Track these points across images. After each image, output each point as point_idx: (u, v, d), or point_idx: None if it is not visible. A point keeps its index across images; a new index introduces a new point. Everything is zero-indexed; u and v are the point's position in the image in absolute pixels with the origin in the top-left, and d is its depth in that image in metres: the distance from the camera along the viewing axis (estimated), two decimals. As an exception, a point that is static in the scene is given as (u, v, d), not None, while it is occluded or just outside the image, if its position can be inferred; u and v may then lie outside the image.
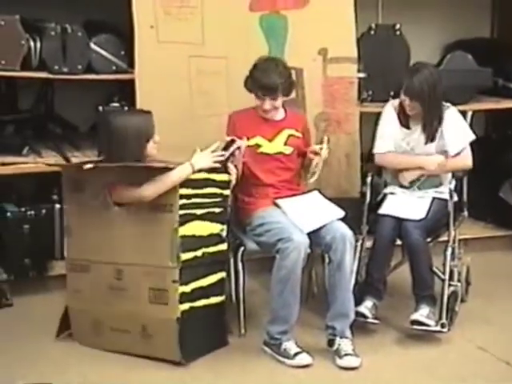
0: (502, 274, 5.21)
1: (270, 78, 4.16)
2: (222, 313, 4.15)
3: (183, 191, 3.87)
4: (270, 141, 4.32)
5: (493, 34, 6.18)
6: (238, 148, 4.08)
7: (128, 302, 3.98)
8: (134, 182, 3.88)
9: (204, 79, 4.73)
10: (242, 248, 4.25)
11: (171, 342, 3.90)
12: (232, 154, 4.05)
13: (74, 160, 4.54)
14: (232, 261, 4.35)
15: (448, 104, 4.47)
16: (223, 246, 4.11)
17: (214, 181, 4.02)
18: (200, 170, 3.93)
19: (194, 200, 3.93)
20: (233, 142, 4.08)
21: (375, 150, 4.58)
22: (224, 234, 4.10)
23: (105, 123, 4.09)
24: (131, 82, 4.63)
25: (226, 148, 4.06)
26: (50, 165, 4.28)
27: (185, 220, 3.89)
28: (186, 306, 3.92)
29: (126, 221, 3.96)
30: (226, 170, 4.05)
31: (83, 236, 4.08)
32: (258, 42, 4.79)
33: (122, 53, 4.73)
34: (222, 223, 4.09)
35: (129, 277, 3.97)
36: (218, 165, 3.97)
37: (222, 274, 4.12)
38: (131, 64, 4.67)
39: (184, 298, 3.91)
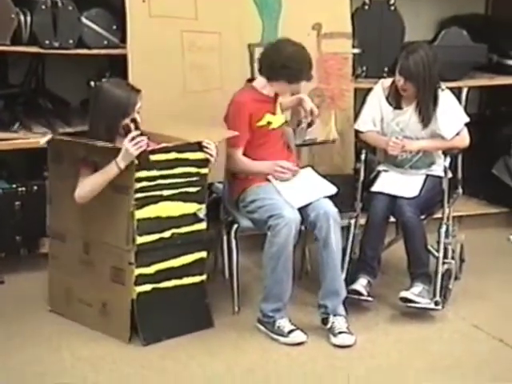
0: (495, 250, 5.21)
1: (311, 67, 4.17)
2: (201, 293, 4.09)
3: (142, 174, 3.80)
4: (274, 114, 4.28)
5: (487, 9, 6.12)
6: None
7: (93, 276, 4.03)
8: (100, 159, 3.85)
9: (197, 54, 4.66)
10: (236, 225, 4.22)
11: (124, 322, 3.91)
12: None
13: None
14: (225, 238, 4.33)
15: (442, 86, 4.42)
16: (201, 226, 4.04)
17: (187, 160, 3.95)
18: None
19: (159, 181, 3.87)
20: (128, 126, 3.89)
21: (356, 127, 4.61)
22: (202, 213, 4.03)
23: (92, 92, 4.13)
24: (123, 57, 4.57)
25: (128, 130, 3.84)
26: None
27: (145, 203, 3.85)
28: (146, 287, 3.90)
29: (93, 198, 3.93)
30: (200, 148, 3.96)
31: (61, 206, 4.14)
32: (251, 17, 4.73)
33: (114, 27, 4.66)
34: (200, 202, 4.02)
35: (94, 252, 4.02)
36: (140, 150, 3.74)
37: (201, 254, 4.07)
38: (123, 39, 4.61)
39: (144, 279, 3.89)
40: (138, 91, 3.99)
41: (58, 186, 4.15)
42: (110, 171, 3.80)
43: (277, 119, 4.29)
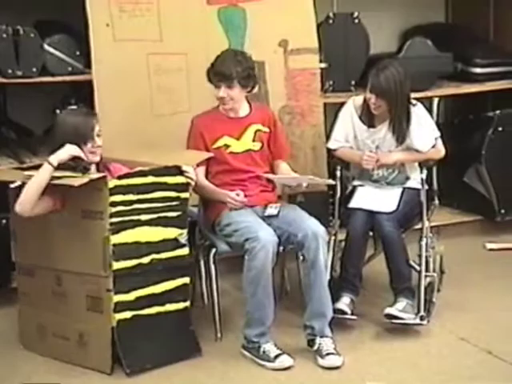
0: (472, 259, 5.19)
1: (225, 65, 4.09)
2: (186, 320, 4.00)
3: (118, 198, 3.73)
4: (237, 139, 4.22)
5: (447, 18, 6.14)
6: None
7: (68, 308, 3.93)
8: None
9: (164, 77, 4.59)
10: (214, 250, 4.13)
11: (104, 352, 3.81)
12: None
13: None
14: (203, 262, 4.24)
15: (414, 101, 4.39)
16: (182, 251, 3.95)
17: (166, 184, 3.88)
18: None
19: (136, 206, 3.79)
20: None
21: (328, 145, 4.56)
22: (183, 238, 3.95)
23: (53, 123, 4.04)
24: (88, 83, 4.49)
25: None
26: None
27: (122, 227, 3.76)
28: (126, 314, 3.81)
29: (62, 227, 3.87)
30: (181, 173, 3.90)
31: (27, 241, 4.05)
32: (217, 36, 4.68)
33: (78, 53, 4.59)
34: (181, 227, 3.94)
35: (67, 283, 3.92)
36: (77, 153, 3.78)
37: (184, 280, 3.98)
38: (87, 64, 4.53)
39: (123, 306, 3.79)
40: (94, 114, 3.94)
41: (22, 219, 3.94)
42: (44, 171, 3.72)
43: (240, 144, 4.23)
